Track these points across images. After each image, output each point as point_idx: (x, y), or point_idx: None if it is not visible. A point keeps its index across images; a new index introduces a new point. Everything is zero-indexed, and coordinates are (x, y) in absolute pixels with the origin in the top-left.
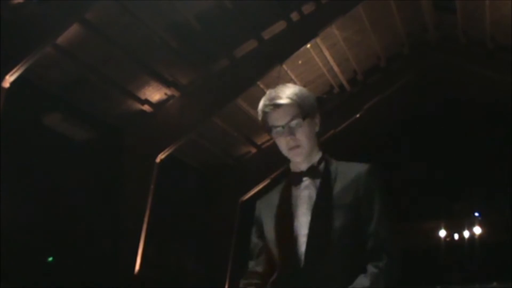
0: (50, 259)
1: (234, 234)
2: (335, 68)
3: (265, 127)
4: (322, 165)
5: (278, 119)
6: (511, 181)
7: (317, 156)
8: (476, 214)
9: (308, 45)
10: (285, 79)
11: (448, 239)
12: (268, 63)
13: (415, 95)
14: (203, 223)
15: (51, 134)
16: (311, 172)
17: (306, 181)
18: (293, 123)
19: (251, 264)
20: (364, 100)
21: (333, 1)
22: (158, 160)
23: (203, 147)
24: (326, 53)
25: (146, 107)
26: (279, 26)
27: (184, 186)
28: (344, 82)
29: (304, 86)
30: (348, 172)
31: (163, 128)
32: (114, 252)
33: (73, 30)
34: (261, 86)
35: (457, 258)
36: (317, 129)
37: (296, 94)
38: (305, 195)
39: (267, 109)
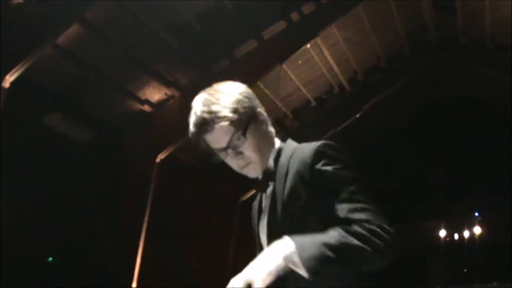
0: (50, 259)
1: (234, 234)
2: (335, 68)
3: (208, 150)
4: (276, 164)
5: (216, 143)
6: (511, 181)
7: (272, 154)
8: (476, 214)
9: (308, 45)
10: (285, 79)
11: (448, 239)
12: (268, 63)
13: (415, 95)
14: (203, 223)
15: (51, 134)
16: (267, 176)
17: (268, 186)
18: (235, 143)
19: None
20: (364, 100)
21: (333, 1)
22: (158, 160)
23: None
24: (326, 53)
25: (146, 107)
26: (279, 26)
27: (184, 186)
28: (344, 82)
29: (304, 86)
30: (297, 160)
31: (163, 128)
32: (114, 252)
33: (73, 30)
34: (261, 86)
35: (457, 258)
36: (264, 127)
37: (224, 108)
38: (266, 204)
39: (198, 138)
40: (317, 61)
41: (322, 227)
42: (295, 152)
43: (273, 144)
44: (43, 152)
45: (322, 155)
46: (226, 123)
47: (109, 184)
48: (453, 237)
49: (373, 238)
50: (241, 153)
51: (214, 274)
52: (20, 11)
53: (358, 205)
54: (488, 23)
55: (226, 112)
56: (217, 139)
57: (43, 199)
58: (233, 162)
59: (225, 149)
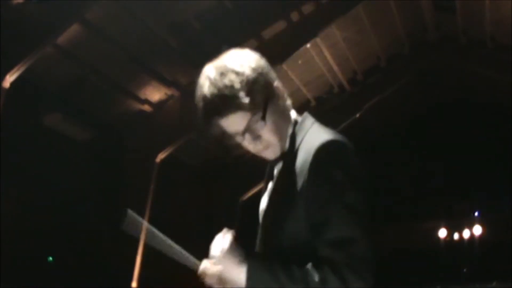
0: (50, 259)
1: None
2: (335, 68)
3: (220, 135)
4: (288, 147)
5: (232, 128)
6: (511, 181)
7: (287, 139)
8: (476, 214)
9: (308, 45)
10: (285, 79)
11: (448, 239)
12: (268, 63)
13: (415, 95)
14: (203, 223)
15: (51, 134)
16: (278, 159)
17: (276, 169)
18: (253, 127)
19: None
20: (364, 100)
21: (333, 1)
22: (158, 160)
23: (203, 147)
24: (326, 53)
25: (146, 107)
26: (279, 26)
27: (184, 186)
28: (344, 82)
29: (304, 86)
30: (305, 152)
31: (163, 128)
32: (114, 252)
33: (73, 30)
34: None
35: (457, 258)
36: (281, 103)
37: (239, 91)
38: (271, 182)
39: (209, 123)
40: (317, 61)
41: (304, 233)
42: (307, 137)
43: (290, 120)
44: (43, 152)
45: (326, 157)
46: (242, 109)
47: (109, 184)
48: (453, 237)
49: None
50: (259, 137)
51: None
52: (20, 11)
53: (343, 234)
54: (488, 23)
55: (241, 96)
56: (233, 124)
57: (43, 199)
58: (250, 146)
59: (242, 134)
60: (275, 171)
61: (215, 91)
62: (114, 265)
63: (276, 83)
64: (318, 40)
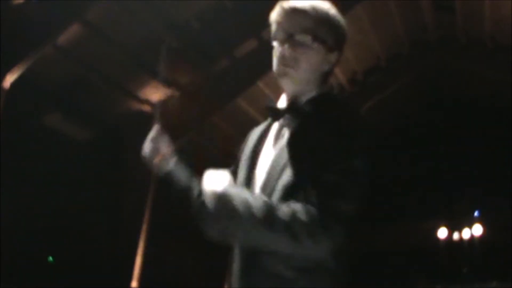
0: (50, 259)
1: None
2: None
3: (272, 34)
4: (310, 106)
5: (288, 25)
6: (511, 180)
7: (309, 94)
8: (476, 213)
9: None
10: None
11: (448, 239)
12: (268, 63)
13: (415, 95)
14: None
15: (51, 134)
16: (291, 110)
17: (282, 121)
18: (301, 37)
19: None
20: (364, 100)
21: (333, 1)
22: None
23: (203, 147)
24: None
25: (146, 107)
26: None
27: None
28: (344, 82)
29: None
30: (326, 121)
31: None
32: (114, 252)
33: (73, 30)
34: (261, 86)
35: (457, 258)
36: (326, 68)
37: (323, 11)
38: (269, 142)
39: (277, 16)
40: None
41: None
42: (331, 110)
43: (316, 83)
44: (43, 152)
45: (346, 130)
46: (312, 18)
47: (109, 184)
48: (453, 237)
49: (304, 229)
50: (295, 56)
51: (214, 273)
52: (20, 11)
53: (333, 200)
54: (488, 23)
55: (322, 13)
56: (291, 22)
57: (43, 199)
58: (280, 57)
59: (290, 36)
60: (280, 123)
61: (320, 4)
62: (114, 265)
63: (337, 54)
64: None
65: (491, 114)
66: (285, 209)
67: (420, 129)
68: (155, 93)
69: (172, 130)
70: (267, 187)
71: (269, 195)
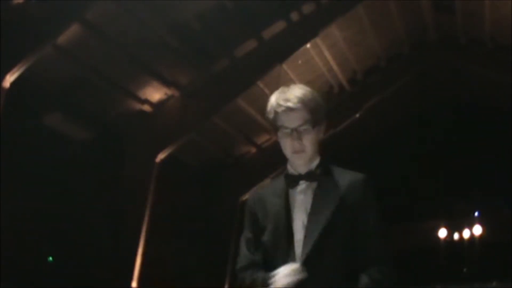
0: (50, 259)
1: (234, 234)
2: (335, 68)
3: (273, 125)
4: (319, 170)
5: (289, 122)
6: (511, 180)
7: (315, 161)
8: (476, 214)
9: (308, 45)
10: (285, 79)
11: (448, 239)
12: (268, 63)
13: (415, 95)
14: (203, 223)
15: (51, 134)
16: (309, 176)
17: (303, 184)
18: (302, 128)
19: (249, 256)
20: (364, 100)
21: (333, 1)
22: (158, 160)
23: (203, 147)
24: (326, 53)
25: (146, 107)
26: (279, 26)
27: (184, 186)
28: (344, 82)
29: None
30: (344, 179)
31: (163, 128)
32: (114, 252)
33: (73, 30)
34: (261, 86)
35: (457, 258)
36: (321, 136)
37: (311, 101)
38: (300, 199)
39: (279, 110)
40: (317, 61)
41: (349, 243)
42: (335, 170)
43: (317, 151)
44: (43, 152)
45: (371, 186)
46: (306, 111)
47: (109, 184)
48: (453, 237)
49: (392, 282)
50: (301, 140)
51: (214, 273)
52: (20, 11)
53: (381, 251)
54: (487, 23)
55: (310, 104)
56: (292, 119)
57: (43, 199)
58: (290, 144)
59: (292, 129)
60: (300, 188)
61: (306, 93)
62: (114, 265)
63: (325, 123)
64: (318, 40)
65: (491, 114)
66: (366, 281)
67: (420, 129)
68: (155, 93)
69: (172, 130)
70: (323, 240)
71: (329, 245)
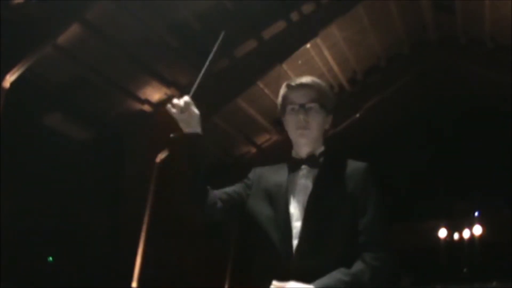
0: (50, 259)
1: (234, 234)
2: (335, 68)
3: (281, 107)
4: (322, 158)
5: (298, 97)
6: (511, 180)
7: (319, 149)
8: (476, 214)
9: (308, 45)
10: (285, 79)
11: (448, 239)
12: (268, 63)
13: (415, 95)
14: (203, 223)
15: (51, 134)
16: (311, 161)
17: (304, 169)
18: (311, 105)
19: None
20: (364, 100)
21: (333, 1)
22: (158, 160)
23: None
24: (326, 53)
25: (146, 107)
26: (279, 26)
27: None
28: (344, 82)
29: None
30: (346, 167)
31: (163, 128)
32: (114, 252)
33: (73, 30)
34: (261, 86)
35: (457, 258)
36: (326, 126)
37: (322, 85)
38: (301, 183)
39: (292, 84)
40: (317, 61)
41: (348, 228)
42: (339, 159)
43: (322, 140)
44: (43, 152)
45: (372, 174)
46: (316, 90)
47: (109, 184)
48: (453, 237)
49: (390, 268)
50: (307, 118)
51: (214, 273)
52: (20, 11)
53: (380, 238)
54: (487, 23)
55: (321, 86)
56: (302, 95)
57: (43, 199)
58: (296, 119)
59: (300, 105)
60: (301, 173)
61: (316, 80)
62: (114, 265)
63: (331, 117)
64: (318, 40)
65: (491, 114)
66: (361, 267)
67: (420, 130)
68: (155, 93)
69: (172, 130)
70: (322, 223)
71: (328, 229)
